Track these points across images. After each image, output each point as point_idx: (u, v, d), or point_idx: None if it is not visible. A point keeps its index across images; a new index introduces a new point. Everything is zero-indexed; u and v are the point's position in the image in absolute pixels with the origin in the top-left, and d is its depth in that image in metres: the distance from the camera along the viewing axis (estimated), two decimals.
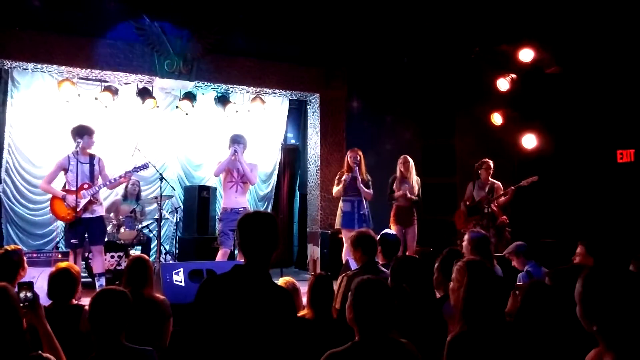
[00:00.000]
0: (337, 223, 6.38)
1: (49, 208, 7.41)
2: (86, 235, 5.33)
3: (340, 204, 6.34)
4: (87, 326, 2.87)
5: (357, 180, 6.14)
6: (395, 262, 3.05)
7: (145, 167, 5.66)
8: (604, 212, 6.88)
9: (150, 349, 2.34)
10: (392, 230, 6.22)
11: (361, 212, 6.15)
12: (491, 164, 6.73)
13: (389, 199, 6.50)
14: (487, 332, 2.17)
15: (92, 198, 5.27)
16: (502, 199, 6.60)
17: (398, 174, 6.51)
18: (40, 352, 2.17)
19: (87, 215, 5.27)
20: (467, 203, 6.83)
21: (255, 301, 2.10)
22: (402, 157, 6.55)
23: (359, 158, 6.22)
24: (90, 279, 6.00)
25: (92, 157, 5.40)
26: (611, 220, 6.71)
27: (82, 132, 5.32)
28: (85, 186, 5.26)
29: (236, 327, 2.07)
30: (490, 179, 6.72)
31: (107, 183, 5.38)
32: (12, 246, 3.54)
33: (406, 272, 2.92)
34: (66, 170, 5.30)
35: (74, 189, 5.16)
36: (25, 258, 3.51)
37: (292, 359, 2.12)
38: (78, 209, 5.11)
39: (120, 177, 5.43)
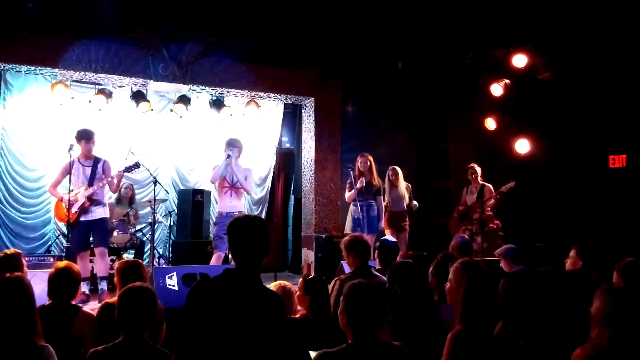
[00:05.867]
0: (347, 228, 6.49)
1: (41, 211, 7.49)
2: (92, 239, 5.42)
3: (352, 208, 6.45)
4: (78, 333, 2.84)
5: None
6: (391, 267, 3.06)
7: (136, 166, 5.69)
8: (597, 216, 6.92)
9: (168, 353, 2.39)
10: (387, 235, 6.33)
11: (355, 217, 6.24)
12: (477, 168, 6.91)
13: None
14: (487, 328, 2.21)
15: (87, 200, 5.30)
16: (491, 202, 6.73)
17: (387, 182, 6.69)
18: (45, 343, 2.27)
19: (88, 217, 5.34)
20: (461, 208, 6.94)
21: (245, 305, 2.10)
22: (390, 167, 6.73)
23: (369, 163, 6.38)
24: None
25: (96, 160, 5.48)
26: (604, 225, 6.74)
27: (78, 137, 5.42)
28: (82, 189, 5.33)
29: (226, 331, 2.06)
30: (479, 181, 6.86)
31: (100, 185, 5.35)
32: (12, 250, 3.55)
33: (403, 276, 2.93)
34: (70, 174, 5.39)
35: (71, 192, 5.32)
36: (24, 262, 3.52)
37: None
38: (72, 212, 5.22)
39: (111, 178, 5.38)
